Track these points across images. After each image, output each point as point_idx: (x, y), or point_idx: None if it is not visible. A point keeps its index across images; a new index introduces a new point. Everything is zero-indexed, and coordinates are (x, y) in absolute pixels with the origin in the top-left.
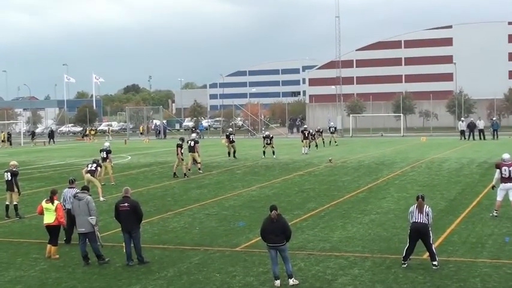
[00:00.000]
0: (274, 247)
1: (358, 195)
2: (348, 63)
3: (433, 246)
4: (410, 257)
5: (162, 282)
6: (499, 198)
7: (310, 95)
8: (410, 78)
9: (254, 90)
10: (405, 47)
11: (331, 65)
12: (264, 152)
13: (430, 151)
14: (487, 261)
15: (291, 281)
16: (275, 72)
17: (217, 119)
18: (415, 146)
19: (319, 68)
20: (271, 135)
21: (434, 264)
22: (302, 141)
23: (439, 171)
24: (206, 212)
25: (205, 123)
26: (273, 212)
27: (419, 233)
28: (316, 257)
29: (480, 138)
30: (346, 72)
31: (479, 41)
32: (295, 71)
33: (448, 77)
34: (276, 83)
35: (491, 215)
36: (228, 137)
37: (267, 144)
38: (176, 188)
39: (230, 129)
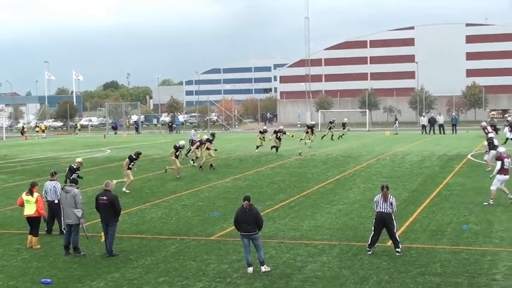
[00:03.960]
0: (247, 236)
1: (326, 186)
2: (316, 62)
3: (397, 234)
4: (376, 244)
5: (140, 270)
6: (495, 188)
7: (281, 92)
8: (375, 76)
9: (228, 87)
10: (370, 47)
11: (301, 63)
12: (257, 147)
13: (394, 145)
14: (447, 247)
15: (263, 268)
16: (248, 70)
17: (193, 114)
18: (380, 139)
19: (290, 66)
20: (268, 130)
21: (398, 251)
22: (306, 133)
23: (402, 163)
24: (182, 203)
25: (181, 118)
26: (245, 202)
27: (383, 222)
28: (287, 245)
29: (440, 133)
30: (315, 70)
31: (439, 41)
32: (267, 69)
33: (410, 75)
34: (248, 80)
35: (486, 203)
36: (276, 133)
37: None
38: (153, 180)
39: (282, 126)
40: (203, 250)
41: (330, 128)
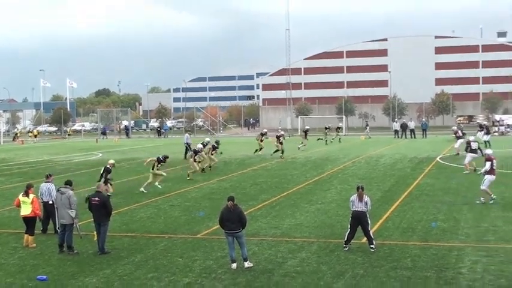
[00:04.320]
0: (231, 234)
1: (305, 187)
2: (296, 71)
3: (371, 232)
4: (351, 241)
5: (131, 266)
6: (487, 187)
7: (263, 99)
8: (351, 84)
9: (213, 94)
10: (347, 57)
11: (282, 72)
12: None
13: (368, 148)
14: (417, 243)
15: (246, 264)
16: (232, 78)
17: (180, 120)
18: (356, 143)
19: (272, 75)
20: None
21: (372, 247)
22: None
23: (376, 165)
24: (170, 203)
25: (169, 123)
26: (229, 202)
27: (359, 220)
28: (269, 242)
29: (411, 137)
30: (295, 79)
31: (411, 52)
32: (250, 77)
33: (384, 83)
34: (232, 88)
35: (491, 202)
36: (278, 138)
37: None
38: (143, 181)
39: (282, 132)
40: (190, 247)
41: (326, 134)
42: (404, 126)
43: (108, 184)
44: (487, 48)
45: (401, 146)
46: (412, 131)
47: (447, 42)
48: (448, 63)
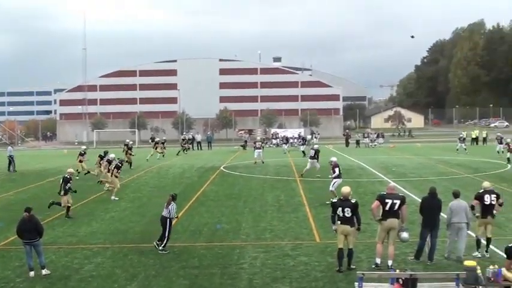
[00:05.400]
0: (29, 243)
1: (101, 196)
2: (92, 88)
3: (167, 235)
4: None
5: None
6: (334, 189)
7: (60, 114)
8: (144, 101)
9: (12, 108)
10: (140, 76)
11: (78, 88)
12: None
13: (159, 160)
14: (203, 244)
15: (44, 271)
16: (30, 93)
17: None
18: (144, 155)
19: (69, 91)
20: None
21: (163, 249)
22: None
23: (166, 175)
24: None
25: None
26: (25, 213)
27: (162, 223)
28: (65, 250)
29: (198, 149)
30: (91, 95)
31: (198, 72)
32: (48, 93)
33: (173, 100)
34: (31, 103)
35: (328, 202)
36: (130, 149)
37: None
38: None
39: (129, 140)
40: None
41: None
42: (192, 139)
43: (69, 194)
44: (265, 71)
45: (190, 157)
46: (198, 143)
47: (230, 65)
48: (230, 83)
